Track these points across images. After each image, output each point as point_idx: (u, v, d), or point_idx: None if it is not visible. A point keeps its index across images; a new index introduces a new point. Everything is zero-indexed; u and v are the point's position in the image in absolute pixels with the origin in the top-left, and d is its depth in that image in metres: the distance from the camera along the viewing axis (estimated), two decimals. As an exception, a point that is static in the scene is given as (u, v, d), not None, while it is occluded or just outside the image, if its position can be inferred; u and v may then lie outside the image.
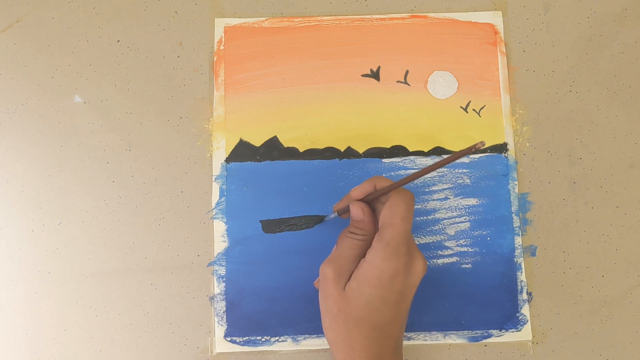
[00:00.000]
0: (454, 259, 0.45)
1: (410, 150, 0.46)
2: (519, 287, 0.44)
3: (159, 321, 0.44)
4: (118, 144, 0.46)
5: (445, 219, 0.45)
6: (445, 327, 0.44)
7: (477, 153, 0.46)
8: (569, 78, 0.47)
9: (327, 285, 0.37)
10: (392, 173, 0.45)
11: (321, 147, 0.46)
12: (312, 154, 0.46)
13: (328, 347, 0.43)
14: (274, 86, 0.46)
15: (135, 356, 0.43)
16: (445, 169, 0.45)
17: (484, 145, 0.30)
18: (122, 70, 0.47)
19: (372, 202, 0.39)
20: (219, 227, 0.45)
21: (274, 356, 0.43)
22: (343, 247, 0.38)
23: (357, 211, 0.38)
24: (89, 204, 0.45)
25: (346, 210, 0.39)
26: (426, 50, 0.47)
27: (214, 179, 0.45)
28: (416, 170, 0.35)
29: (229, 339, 0.43)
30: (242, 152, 0.46)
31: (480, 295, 0.44)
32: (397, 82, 0.47)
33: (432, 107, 0.46)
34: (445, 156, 0.46)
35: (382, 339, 0.37)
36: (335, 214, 0.41)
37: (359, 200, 0.38)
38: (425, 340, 0.44)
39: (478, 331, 0.44)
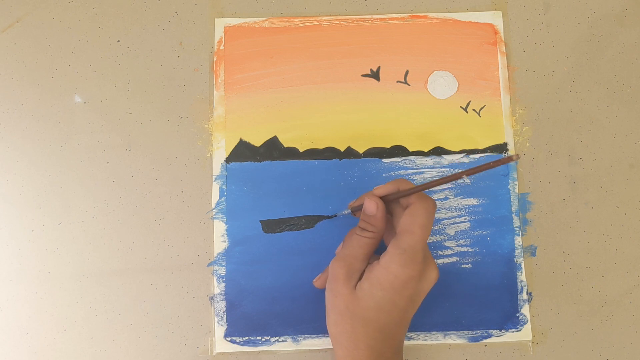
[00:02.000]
0: (454, 259, 0.45)
1: (410, 150, 0.46)
2: (519, 287, 0.44)
3: (159, 321, 0.44)
4: (118, 144, 0.46)
5: (445, 219, 0.45)
6: (445, 327, 0.44)
7: (477, 153, 0.46)
8: (569, 78, 0.47)
9: (337, 284, 0.37)
10: (392, 173, 0.45)
11: (321, 147, 0.46)
12: (312, 154, 0.46)
13: (328, 347, 0.43)
14: (274, 86, 0.46)
15: (135, 356, 0.43)
16: (445, 169, 0.45)
17: (519, 157, 0.30)
18: (122, 70, 0.47)
19: (389, 204, 0.38)
20: (219, 227, 0.45)
21: (274, 356, 0.43)
22: (352, 245, 0.38)
23: (371, 205, 0.37)
24: (89, 204, 0.45)
25: (360, 209, 0.39)
26: (426, 50, 0.47)
27: (214, 179, 0.45)
28: (445, 176, 0.35)
29: (229, 339, 0.43)
30: (242, 152, 0.46)
31: (480, 295, 0.44)
32: (397, 82, 0.47)
33: (432, 107, 0.46)
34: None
35: (386, 340, 0.37)
36: (349, 210, 0.41)
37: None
38: (425, 340, 0.44)
39: (478, 331, 0.44)
